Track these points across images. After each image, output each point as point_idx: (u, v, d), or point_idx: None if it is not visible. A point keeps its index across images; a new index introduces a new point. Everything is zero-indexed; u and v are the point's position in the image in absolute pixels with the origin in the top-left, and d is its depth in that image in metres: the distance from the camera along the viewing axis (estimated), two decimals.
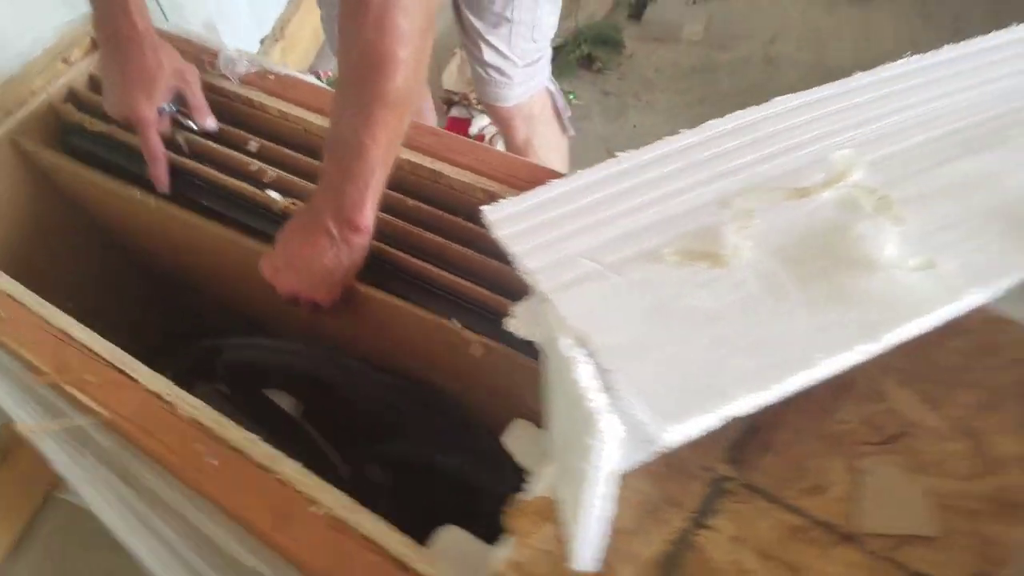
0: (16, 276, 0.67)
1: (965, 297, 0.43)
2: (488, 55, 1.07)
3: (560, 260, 0.53)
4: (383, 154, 0.59)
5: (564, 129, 1.23)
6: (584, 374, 0.44)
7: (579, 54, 1.85)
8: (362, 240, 0.64)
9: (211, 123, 0.76)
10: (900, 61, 0.64)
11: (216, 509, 0.55)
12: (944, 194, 0.50)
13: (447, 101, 1.78)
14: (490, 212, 0.60)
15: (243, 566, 0.55)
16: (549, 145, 1.19)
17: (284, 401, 0.88)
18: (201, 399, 0.77)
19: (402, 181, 0.71)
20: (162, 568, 0.59)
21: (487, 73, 1.09)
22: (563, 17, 1.66)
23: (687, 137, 0.60)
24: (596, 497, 0.41)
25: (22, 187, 0.86)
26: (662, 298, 0.48)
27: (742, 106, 0.57)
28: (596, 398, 0.42)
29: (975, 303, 0.44)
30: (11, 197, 0.86)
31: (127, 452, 0.61)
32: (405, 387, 0.75)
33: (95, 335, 0.63)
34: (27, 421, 0.65)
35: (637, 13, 1.93)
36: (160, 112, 0.73)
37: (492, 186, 0.67)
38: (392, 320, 0.67)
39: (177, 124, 0.76)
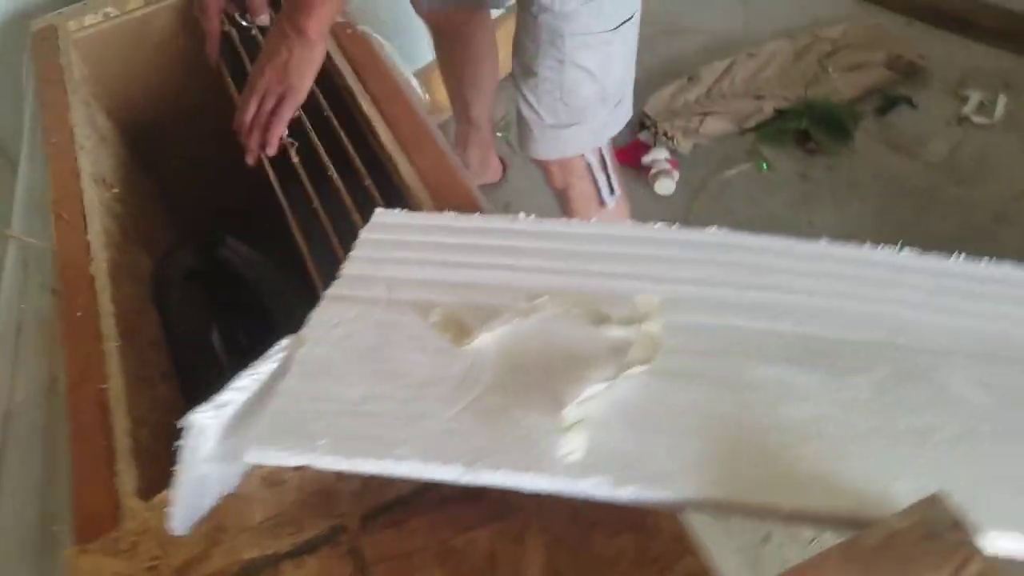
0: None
1: (579, 482, 0.41)
2: (521, 103, 1.06)
3: (367, 277, 0.58)
4: None
5: (601, 203, 1.17)
6: (257, 370, 0.49)
7: (797, 126, 1.74)
8: (310, 44, 0.81)
9: (263, 19, 0.94)
10: (810, 243, 0.58)
11: None
12: (707, 384, 0.47)
13: (641, 123, 1.79)
14: (379, 215, 0.66)
15: None
16: (588, 200, 1.16)
17: None
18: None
19: (372, 159, 0.78)
20: None
21: (519, 120, 1.08)
22: (794, 83, 1.59)
23: (562, 226, 0.61)
24: (182, 473, 0.46)
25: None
26: (389, 343, 0.51)
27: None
28: (228, 392, 0.47)
29: (587, 492, 0.41)
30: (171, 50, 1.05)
31: None
32: None
33: None
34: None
35: (885, 108, 1.77)
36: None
37: (423, 196, 0.71)
38: None
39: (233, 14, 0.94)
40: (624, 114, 1.10)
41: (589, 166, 1.11)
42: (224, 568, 0.49)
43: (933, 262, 0.56)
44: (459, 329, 0.52)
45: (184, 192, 1.14)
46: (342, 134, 0.82)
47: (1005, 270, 0.55)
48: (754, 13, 2.08)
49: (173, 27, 1.02)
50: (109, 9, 0.98)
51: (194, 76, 1.07)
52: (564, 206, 1.19)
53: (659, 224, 0.60)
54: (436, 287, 0.56)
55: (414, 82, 0.97)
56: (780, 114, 1.78)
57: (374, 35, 0.92)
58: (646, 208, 1.65)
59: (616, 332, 0.51)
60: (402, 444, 0.44)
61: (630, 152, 1.75)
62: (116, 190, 0.86)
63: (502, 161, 1.82)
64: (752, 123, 1.78)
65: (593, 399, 0.45)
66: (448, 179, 0.73)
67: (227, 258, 0.92)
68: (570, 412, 0.44)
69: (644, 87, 1.85)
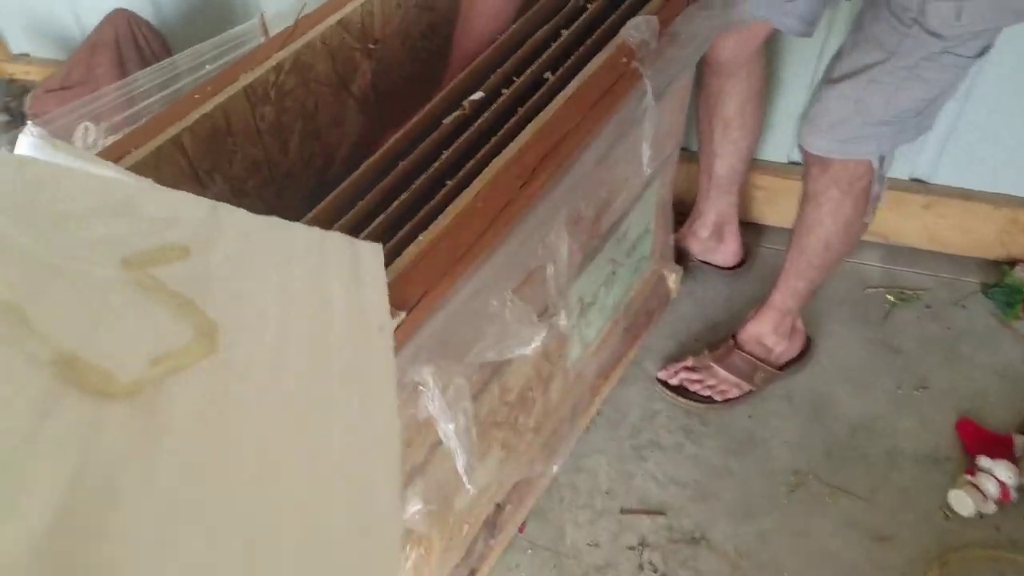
0: None
1: None
2: (834, 95, 1.10)
3: None
4: None
5: (865, 212, 1.21)
6: None
7: None
8: None
9: None
10: None
11: None
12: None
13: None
14: None
15: None
16: (842, 208, 1.20)
17: None
18: None
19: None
20: None
21: (820, 110, 1.13)
22: None
23: None
24: None
25: None
26: None
27: None
28: None
29: None
30: None
31: None
32: None
33: None
34: None
35: None
36: None
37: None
38: None
39: None
40: (925, 128, 1.14)
41: (872, 172, 1.16)
42: None
43: None
44: None
45: None
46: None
47: None
48: None
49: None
50: None
51: None
52: (812, 211, 1.23)
53: None
54: None
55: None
56: None
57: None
58: (911, 501, 1.30)
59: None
60: None
61: (983, 438, 1.36)
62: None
63: (745, 248, 1.61)
64: None
65: None
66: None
67: None
68: None
69: None
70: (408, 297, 0.65)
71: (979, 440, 1.36)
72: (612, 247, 1.18)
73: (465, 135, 0.83)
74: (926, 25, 0.98)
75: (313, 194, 1.02)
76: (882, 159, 1.15)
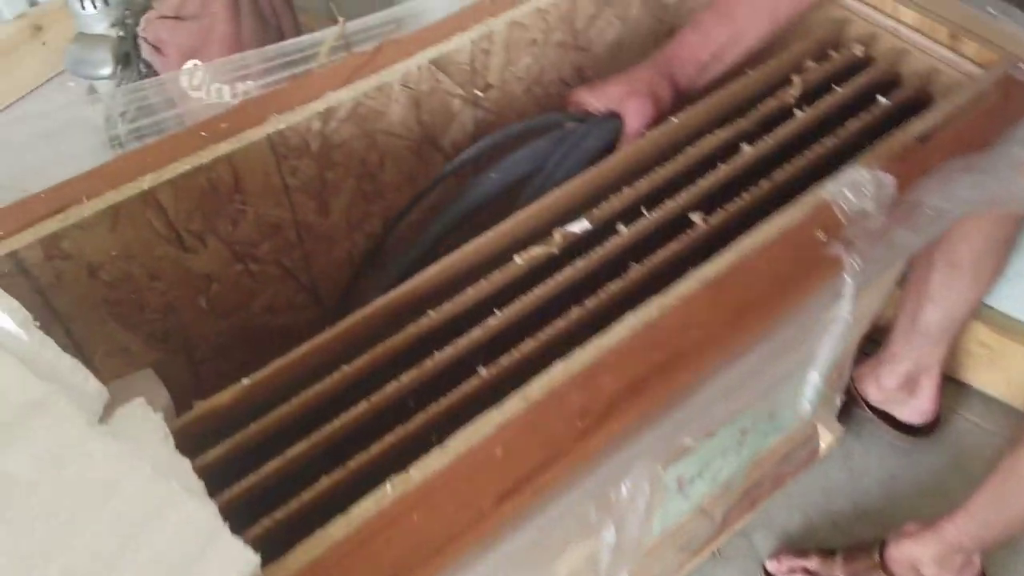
0: None
1: None
2: None
3: None
4: None
5: None
6: None
7: None
8: None
9: None
10: None
11: None
12: None
13: None
14: None
15: None
16: None
17: None
18: None
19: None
20: None
21: None
22: None
23: None
24: None
25: None
26: None
27: None
28: None
29: None
30: None
31: None
32: None
33: None
34: None
35: None
36: None
37: None
38: None
39: None
40: None
41: None
42: None
43: None
44: None
45: None
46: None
47: None
48: None
49: None
50: None
51: None
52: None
53: None
54: None
55: None
56: None
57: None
58: None
59: None
60: None
61: None
62: None
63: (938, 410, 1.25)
64: None
65: None
66: None
67: None
68: None
69: None
70: None
71: None
72: (743, 420, 0.88)
73: (536, 290, 0.56)
74: None
75: (357, 263, 0.78)
76: None
